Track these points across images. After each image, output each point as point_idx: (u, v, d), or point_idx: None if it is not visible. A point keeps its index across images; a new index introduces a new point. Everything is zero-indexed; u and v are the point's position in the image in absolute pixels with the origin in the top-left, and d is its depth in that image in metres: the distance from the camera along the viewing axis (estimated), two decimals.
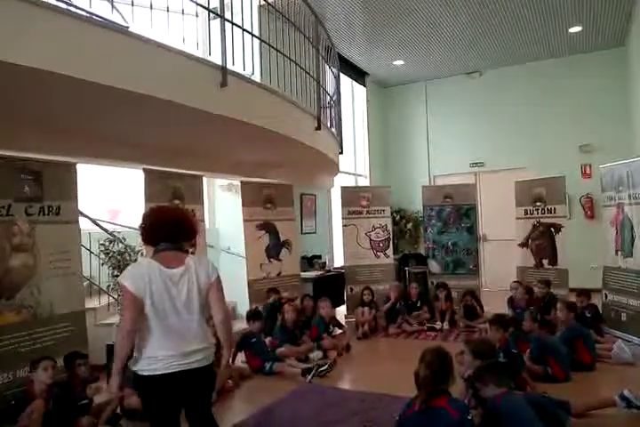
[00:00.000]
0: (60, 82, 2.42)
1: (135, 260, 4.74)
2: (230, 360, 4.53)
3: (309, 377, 4.33)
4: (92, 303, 4.91)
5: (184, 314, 2.26)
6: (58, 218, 3.85)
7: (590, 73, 8.70)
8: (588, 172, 8.63)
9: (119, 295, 4.69)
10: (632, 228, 5.36)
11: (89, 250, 4.82)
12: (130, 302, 2.20)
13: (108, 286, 4.78)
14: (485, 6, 6.79)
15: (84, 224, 4.72)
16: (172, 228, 2.35)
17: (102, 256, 4.75)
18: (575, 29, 7.74)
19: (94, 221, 5.04)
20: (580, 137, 8.68)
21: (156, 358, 2.20)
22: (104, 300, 5.05)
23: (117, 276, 4.64)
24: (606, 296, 5.75)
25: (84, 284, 4.67)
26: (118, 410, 3.63)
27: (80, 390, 3.49)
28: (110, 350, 4.40)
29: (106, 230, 5.03)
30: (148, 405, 2.31)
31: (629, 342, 5.00)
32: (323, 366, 4.48)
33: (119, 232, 5.05)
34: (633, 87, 7.80)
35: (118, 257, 4.66)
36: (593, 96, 8.64)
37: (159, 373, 2.19)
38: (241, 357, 4.80)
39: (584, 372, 4.25)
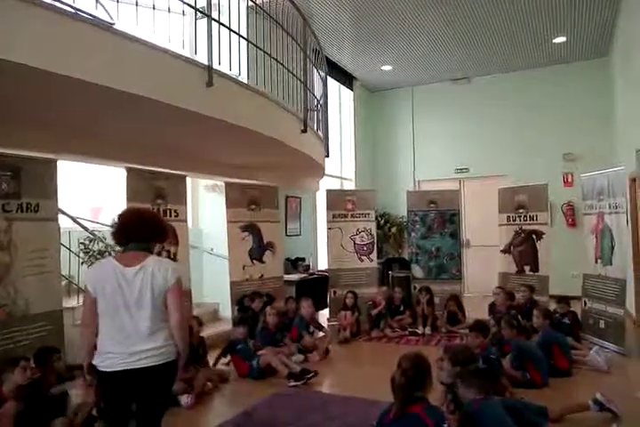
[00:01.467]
0: (41, 78, 2.39)
1: None
2: (211, 363, 4.56)
3: (293, 383, 4.28)
4: (70, 303, 4.82)
5: (135, 312, 2.29)
6: (36, 215, 3.79)
7: (574, 83, 8.85)
8: (569, 180, 8.75)
9: None
10: (612, 236, 5.44)
11: (68, 248, 4.74)
12: (86, 298, 2.34)
13: None
14: (472, 16, 6.87)
15: (64, 222, 4.65)
16: (136, 229, 2.41)
17: (82, 255, 4.67)
18: (559, 40, 7.86)
19: (74, 220, 4.96)
20: (562, 146, 8.81)
21: (106, 356, 2.27)
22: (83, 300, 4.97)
23: None
24: (585, 303, 5.82)
25: (63, 283, 4.59)
26: (94, 412, 3.56)
27: (55, 387, 3.42)
28: None
29: (86, 229, 4.95)
30: (102, 399, 2.41)
31: (607, 349, 5.06)
32: (309, 373, 4.45)
33: (100, 231, 4.98)
34: (615, 98, 7.94)
35: (98, 256, 4.59)
36: (576, 106, 8.78)
37: (108, 370, 2.27)
38: (223, 360, 4.78)
39: (561, 378, 4.30)
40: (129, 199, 4.53)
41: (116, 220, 2.47)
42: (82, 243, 4.66)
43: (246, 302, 5.66)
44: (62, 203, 4.36)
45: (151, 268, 2.33)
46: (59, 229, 4.05)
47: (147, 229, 2.43)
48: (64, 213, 4.72)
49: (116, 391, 2.32)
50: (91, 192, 5.94)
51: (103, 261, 2.47)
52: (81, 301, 4.88)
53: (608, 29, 7.48)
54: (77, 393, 3.62)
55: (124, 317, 2.28)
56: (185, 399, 3.89)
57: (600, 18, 7.07)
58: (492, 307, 6.06)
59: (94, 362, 2.31)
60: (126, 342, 2.27)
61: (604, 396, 3.39)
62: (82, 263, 4.67)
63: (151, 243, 2.49)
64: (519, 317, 5.26)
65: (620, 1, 6.50)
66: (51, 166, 3.91)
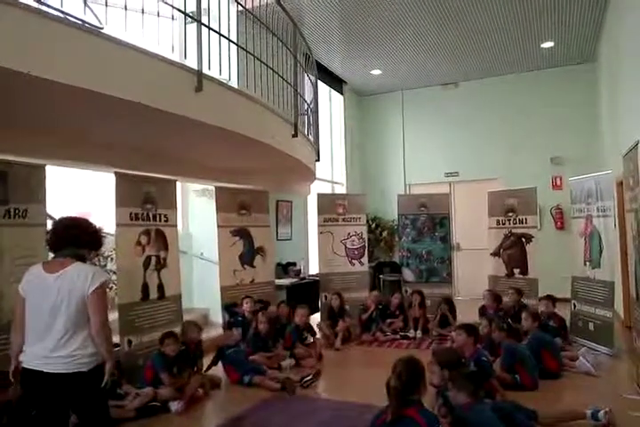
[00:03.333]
0: (29, 83, 2.37)
1: (104, 265, 4.65)
2: (204, 369, 4.53)
3: (290, 392, 4.22)
4: None
5: (49, 318, 2.32)
6: (24, 221, 3.74)
7: (562, 87, 8.95)
8: (558, 183, 8.84)
9: None
10: (600, 239, 5.50)
11: None
12: (17, 300, 2.43)
13: None
14: (461, 21, 6.94)
15: None
16: (64, 237, 2.45)
17: None
18: (547, 45, 7.96)
19: None
20: (551, 149, 8.90)
21: (25, 353, 2.35)
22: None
23: None
24: (575, 306, 5.87)
25: None
26: None
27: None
28: None
29: None
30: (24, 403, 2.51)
31: (597, 351, 5.10)
32: (306, 377, 4.43)
33: None
34: (601, 103, 8.04)
35: (87, 262, 4.54)
36: (564, 110, 8.88)
37: (26, 366, 2.33)
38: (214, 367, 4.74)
39: (550, 380, 4.33)
40: (118, 204, 4.49)
41: (50, 228, 2.56)
42: None
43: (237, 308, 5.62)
44: (51, 208, 4.33)
45: (70, 274, 2.34)
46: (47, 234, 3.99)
47: (74, 238, 2.45)
48: (53, 218, 4.67)
49: (35, 391, 2.34)
50: (79, 197, 5.88)
51: (33, 266, 2.47)
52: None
53: (595, 35, 7.60)
54: None
55: (41, 321, 2.33)
56: (175, 405, 3.86)
57: (587, 24, 7.17)
58: (482, 309, 6.08)
59: (20, 358, 2.37)
60: (42, 345, 2.31)
61: (607, 414, 3.29)
62: None
63: (82, 250, 2.47)
64: (509, 319, 5.29)
65: (607, 8, 6.60)
66: (39, 171, 3.87)
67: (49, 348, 2.30)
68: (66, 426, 2.46)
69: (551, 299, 5.58)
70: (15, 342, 2.42)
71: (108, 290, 2.72)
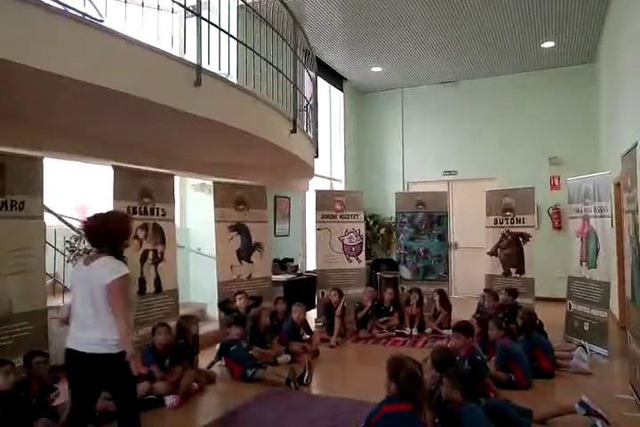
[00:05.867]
0: (28, 74, 2.36)
1: None
2: (207, 366, 4.54)
3: (293, 385, 4.27)
4: (55, 302, 4.77)
5: (83, 304, 2.60)
6: (21, 213, 3.73)
7: (561, 88, 8.95)
8: (556, 183, 8.84)
9: None
10: (597, 240, 5.51)
11: (54, 247, 4.70)
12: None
13: None
14: (462, 19, 6.92)
15: (49, 220, 4.60)
16: (92, 235, 2.72)
17: (68, 253, 4.62)
18: (548, 44, 7.94)
19: (60, 218, 4.91)
20: (549, 149, 8.90)
21: (69, 335, 2.64)
22: (68, 299, 4.92)
23: None
24: (570, 306, 5.89)
25: (48, 281, 4.54)
26: None
27: (37, 389, 3.38)
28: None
29: (72, 227, 4.91)
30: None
31: (592, 351, 5.11)
32: (302, 373, 4.42)
33: None
34: (601, 104, 8.04)
35: (84, 255, 4.53)
36: (563, 110, 8.88)
37: (67, 346, 2.62)
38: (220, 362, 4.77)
39: (545, 379, 4.35)
40: (115, 198, 4.48)
41: (84, 225, 2.81)
42: (67, 241, 4.61)
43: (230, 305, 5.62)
44: (48, 201, 4.32)
45: (97, 267, 2.59)
46: (44, 227, 4.00)
47: (99, 236, 2.69)
48: (50, 210, 4.67)
49: (72, 368, 2.63)
50: (77, 190, 5.88)
51: (79, 260, 2.83)
52: (67, 300, 4.87)
53: (595, 36, 7.58)
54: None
55: (79, 307, 2.62)
56: (170, 400, 3.87)
57: (588, 24, 7.16)
58: (479, 307, 6.10)
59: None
60: (80, 328, 2.60)
61: (590, 398, 3.38)
62: (67, 262, 4.63)
63: (114, 244, 2.68)
64: (505, 319, 5.31)
65: (608, 9, 6.59)
66: (36, 164, 3.86)
67: (83, 330, 2.57)
68: (93, 403, 2.72)
69: (512, 292, 5.80)
70: (60, 319, 2.80)
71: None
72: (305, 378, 4.39)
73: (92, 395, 2.69)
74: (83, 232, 2.81)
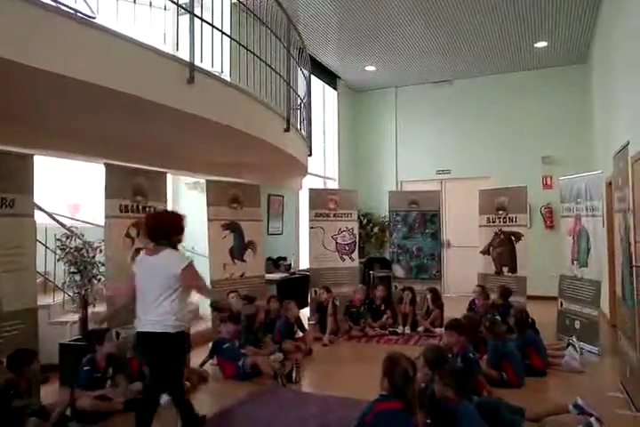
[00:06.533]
0: (20, 72, 2.34)
1: (93, 256, 4.61)
2: (199, 364, 4.55)
3: (280, 381, 4.30)
4: (45, 300, 4.74)
5: (150, 289, 2.99)
6: (12, 211, 3.69)
7: (554, 87, 8.99)
8: (548, 183, 8.89)
9: (74, 293, 4.57)
10: (588, 239, 5.54)
11: (44, 245, 4.66)
12: (130, 275, 3.18)
13: (64, 282, 4.62)
14: (456, 19, 6.93)
15: (40, 218, 4.56)
16: (152, 231, 3.14)
17: (59, 252, 4.58)
18: (541, 44, 7.98)
19: (51, 216, 4.87)
20: (542, 149, 8.95)
21: (136, 319, 3.07)
22: (59, 297, 4.89)
23: (74, 273, 4.50)
24: (562, 304, 5.92)
25: (39, 280, 4.51)
26: (68, 412, 3.51)
27: (26, 389, 3.35)
28: (63, 349, 4.27)
29: (63, 225, 4.87)
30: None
31: (582, 349, 5.14)
32: (290, 371, 4.43)
33: (77, 228, 4.90)
34: (593, 104, 8.09)
35: (75, 253, 4.50)
36: (556, 110, 8.93)
37: (137, 329, 3.06)
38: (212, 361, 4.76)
39: (536, 377, 4.37)
40: (107, 196, 4.45)
41: (144, 222, 3.26)
42: (58, 239, 4.57)
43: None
44: (39, 199, 4.28)
45: (164, 257, 3.01)
46: (35, 225, 3.96)
47: (165, 232, 3.11)
48: (41, 208, 4.63)
49: (144, 348, 3.09)
50: (69, 188, 5.84)
51: (141, 252, 3.35)
52: (57, 298, 4.84)
53: (588, 36, 7.62)
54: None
55: (145, 291, 3.02)
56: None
57: (580, 25, 7.20)
58: (471, 304, 6.12)
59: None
60: (144, 310, 3.01)
61: (585, 401, 3.37)
62: (58, 260, 4.59)
63: (171, 239, 3.12)
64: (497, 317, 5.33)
65: (600, 9, 6.62)
66: (27, 161, 3.82)
67: (148, 312, 2.97)
68: (164, 376, 3.05)
69: (506, 293, 5.91)
70: (119, 304, 3.44)
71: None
72: (293, 376, 4.39)
73: (162, 368, 3.02)
74: (144, 228, 3.20)
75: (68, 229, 4.75)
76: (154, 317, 2.94)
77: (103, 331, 3.92)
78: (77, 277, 4.49)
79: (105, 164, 4.43)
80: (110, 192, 4.48)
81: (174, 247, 3.10)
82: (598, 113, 7.61)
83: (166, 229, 3.12)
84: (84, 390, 3.63)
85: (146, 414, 3.06)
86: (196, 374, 4.41)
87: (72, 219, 5.44)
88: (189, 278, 3.00)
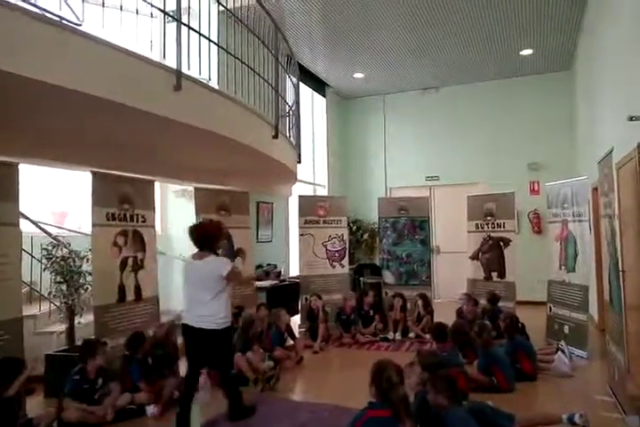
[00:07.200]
0: (3, 79, 2.30)
1: (80, 266, 4.56)
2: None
3: (261, 385, 4.30)
4: (31, 310, 4.68)
5: (198, 289, 3.50)
6: None
7: (540, 94, 9.11)
8: (536, 188, 8.97)
9: (61, 303, 4.51)
10: (575, 244, 5.59)
11: (30, 254, 4.60)
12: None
13: (50, 292, 4.56)
14: (442, 27, 7.01)
15: (27, 227, 4.51)
16: (197, 240, 3.62)
17: (45, 261, 4.53)
18: (526, 52, 8.09)
19: (37, 225, 4.81)
20: (528, 155, 9.04)
21: (184, 314, 3.61)
22: (45, 307, 4.82)
23: (60, 282, 4.45)
24: (550, 309, 5.95)
25: (24, 290, 4.45)
26: (55, 425, 3.45)
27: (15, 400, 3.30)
28: (49, 359, 4.20)
29: (49, 234, 4.81)
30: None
31: (572, 353, 5.17)
32: (270, 376, 4.42)
33: (64, 236, 4.84)
34: (579, 110, 8.20)
35: (61, 262, 4.45)
36: (542, 116, 9.04)
37: (183, 322, 3.56)
38: None
39: (526, 382, 4.38)
40: (94, 204, 4.42)
41: (190, 231, 3.65)
42: (44, 248, 4.52)
43: None
44: (25, 207, 4.24)
45: (209, 262, 3.51)
46: (20, 234, 3.91)
47: (209, 240, 3.62)
48: (26, 217, 4.58)
49: (187, 339, 3.56)
50: (55, 196, 5.78)
51: (188, 257, 3.75)
52: (43, 308, 4.78)
53: (572, 44, 7.75)
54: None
55: (193, 291, 3.52)
56: (151, 409, 3.81)
57: (564, 32, 7.31)
58: (459, 313, 6.13)
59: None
60: (193, 308, 3.49)
61: (583, 416, 3.34)
62: (44, 270, 4.53)
63: (214, 246, 3.68)
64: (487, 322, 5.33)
65: (583, 18, 6.73)
66: (12, 170, 3.78)
67: (197, 310, 3.45)
68: (201, 368, 3.73)
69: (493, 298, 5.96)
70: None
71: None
72: (272, 382, 4.37)
73: (201, 361, 3.60)
74: (190, 236, 3.62)
75: (54, 238, 4.70)
76: (204, 313, 3.43)
77: (96, 344, 3.87)
78: (64, 287, 4.44)
79: (92, 171, 4.40)
80: (97, 200, 4.45)
81: (216, 253, 3.67)
82: (583, 119, 7.71)
83: (210, 239, 3.63)
84: (72, 400, 3.57)
85: (186, 403, 3.48)
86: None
87: (58, 227, 5.38)
88: (234, 278, 3.61)
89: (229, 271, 3.48)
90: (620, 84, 4.60)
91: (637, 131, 3.35)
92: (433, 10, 6.50)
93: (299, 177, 6.79)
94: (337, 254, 7.36)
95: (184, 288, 3.60)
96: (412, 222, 7.52)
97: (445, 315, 6.29)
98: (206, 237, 3.60)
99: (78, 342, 4.46)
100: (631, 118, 3.30)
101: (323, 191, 9.82)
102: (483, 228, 6.99)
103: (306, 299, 6.89)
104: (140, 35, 3.54)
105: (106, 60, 2.78)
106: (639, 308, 3.48)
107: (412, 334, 6.38)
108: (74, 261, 4.53)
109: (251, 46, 4.60)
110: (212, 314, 3.42)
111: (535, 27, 7.08)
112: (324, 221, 7.34)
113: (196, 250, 3.64)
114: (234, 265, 3.63)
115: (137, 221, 4.86)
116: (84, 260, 4.57)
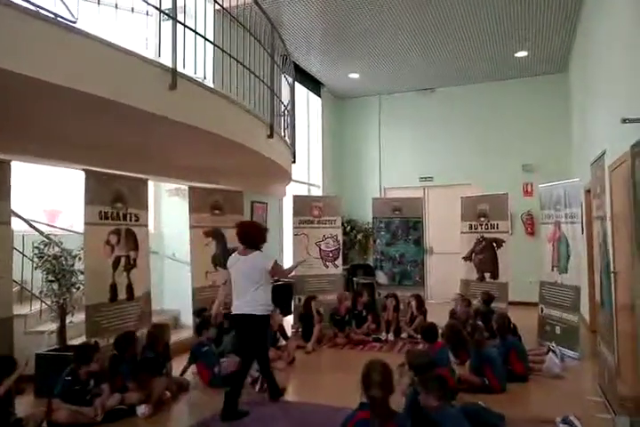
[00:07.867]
0: (3, 78, 2.29)
1: (72, 264, 4.52)
2: (176, 372, 4.50)
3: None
4: (22, 310, 4.64)
5: (245, 281, 3.91)
6: None
7: (534, 96, 9.15)
8: (529, 190, 9.02)
9: (52, 302, 4.47)
10: (568, 245, 5.62)
11: (22, 253, 4.56)
12: (227, 271, 4.13)
13: (41, 291, 4.52)
14: (438, 29, 7.02)
15: (18, 225, 4.47)
16: (243, 237, 4.04)
17: (36, 260, 4.48)
18: (521, 54, 8.13)
19: (28, 223, 4.77)
20: (522, 156, 9.08)
21: (234, 304, 3.95)
22: (36, 306, 4.78)
23: (51, 281, 4.40)
24: (542, 310, 5.98)
25: (15, 289, 4.41)
26: (44, 425, 3.42)
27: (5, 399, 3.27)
28: (40, 359, 4.16)
29: (41, 233, 4.77)
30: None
31: (563, 354, 5.19)
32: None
33: (56, 235, 4.81)
34: (572, 112, 8.25)
35: (53, 261, 4.41)
36: (536, 118, 9.08)
37: (234, 312, 3.94)
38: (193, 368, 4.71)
39: (517, 383, 4.40)
40: (87, 202, 4.38)
41: (237, 229, 4.11)
42: (36, 247, 4.47)
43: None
44: (17, 205, 4.20)
45: (254, 257, 3.93)
46: (11, 232, 3.88)
47: (252, 238, 4.04)
48: (18, 215, 4.54)
49: (237, 327, 4.05)
50: (47, 194, 5.73)
51: (234, 253, 4.11)
52: (34, 308, 4.75)
53: (567, 46, 7.79)
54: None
55: (240, 282, 3.92)
56: (142, 409, 3.78)
57: (559, 35, 7.34)
58: (452, 314, 6.14)
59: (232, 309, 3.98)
60: (238, 296, 3.91)
61: (577, 418, 3.37)
62: (36, 268, 4.49)
63: (258, 244, 4.05)
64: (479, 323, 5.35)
65: (578, 20, 6.77)
66: (4, 167, 3.75)
67: (243, 298, 3.87)
68: (252, 351, 3.95)
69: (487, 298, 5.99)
70: (221, 296, 4.30)
71: None
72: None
73: (251, 342, 3.90)
74: (237, 234, 4.07)
75: (46, 237, 4.66)
76: (248, 300, 3.83)
77: (92, 350, 3.83)
78: (55, 286, 4.39)
79: (84, 170, 4.37)
80: (90, 199, 4.41)
81: (259, 249, 4.02)
82: (577, 121, 7.76)
83: (253, 236, 4.05)
84: (62, 401, 3.54)
85: (238, 384, 3.81)
86: (177, 384, 4.33)
87: (50, 226, 5.34)
88: (278, 270, 4.09)
89: (273, 265, 3.92)
90: (614, 87, 4.63)
91: (630, 133, 3.37)
92: (429, 11, 6.51)
93: (293, 177, 6.79)
94: (331, 254, 7.36)
95: (231, 281, 3.99)
96: (405, 223, 7.54)
97: (438, 315, 6.31)
98: (251, 235, 4.04)
99: (69, 342, 4.44)
100: (625, 121, 3.32)
101: (317, 191, 9.81)
102: (476, 229, 7.01)
103: (299, 299, 6.89)
104: (136, 33, 3.52)
105: (101, 58, 2.77)
106: (630, 309, 3.51)
107: (404, 335, 6.39)
108: (66, 259, 4.48)
109: (247, 46, 4.59)
110: (254, 301, 3.84)
111: (530, 29, 7.11)
112: (319, 221, 7.33)
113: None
114: (276, 260, 4.02)
115: (130, 219, 4.83)
116: (76, 258, 4.53)
